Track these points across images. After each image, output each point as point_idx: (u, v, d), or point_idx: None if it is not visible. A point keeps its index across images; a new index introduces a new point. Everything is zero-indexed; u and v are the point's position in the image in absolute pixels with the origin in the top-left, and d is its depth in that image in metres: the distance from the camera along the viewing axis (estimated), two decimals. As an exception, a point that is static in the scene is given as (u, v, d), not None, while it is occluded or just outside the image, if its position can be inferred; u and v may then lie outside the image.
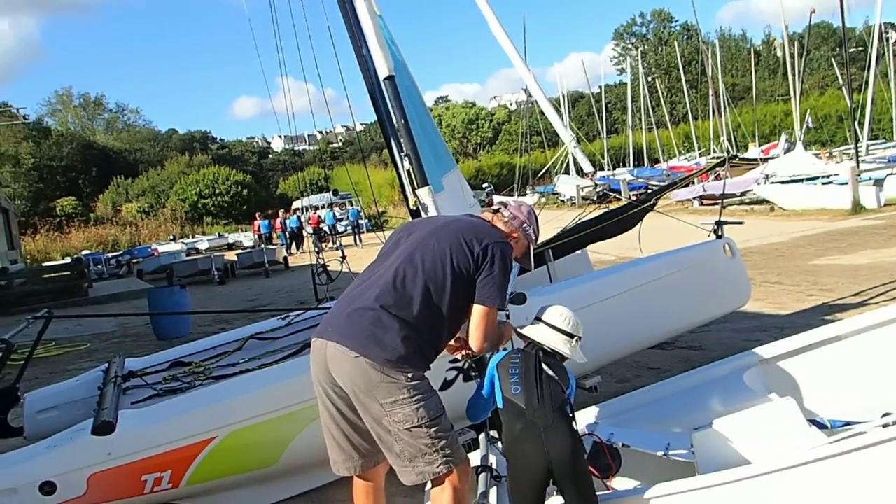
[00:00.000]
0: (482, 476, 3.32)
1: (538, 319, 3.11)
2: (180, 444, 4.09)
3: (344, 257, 6.39)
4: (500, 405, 2.90)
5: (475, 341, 3.05)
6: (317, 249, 9.26)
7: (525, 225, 3.29)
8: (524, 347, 3.08)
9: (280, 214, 32.75)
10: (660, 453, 3.46)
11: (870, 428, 3.10)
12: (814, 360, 4.10)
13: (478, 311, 3.01)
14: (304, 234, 30.26)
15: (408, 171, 3.66)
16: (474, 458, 3.63)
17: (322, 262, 6.52)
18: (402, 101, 3.82)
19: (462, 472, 2.92)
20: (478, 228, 3.14)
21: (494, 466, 3.44)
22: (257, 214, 34.85)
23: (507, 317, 4.26)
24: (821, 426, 3.45)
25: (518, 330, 3.16)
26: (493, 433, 3.63)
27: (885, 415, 3.31)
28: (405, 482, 2.93)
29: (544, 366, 2.93)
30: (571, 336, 3.06)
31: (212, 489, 4.30)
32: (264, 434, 4.25)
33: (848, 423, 3.49)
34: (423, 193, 3.58)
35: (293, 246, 29.85)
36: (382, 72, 3.84)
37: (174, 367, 5.51)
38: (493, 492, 3.24)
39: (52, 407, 5.19)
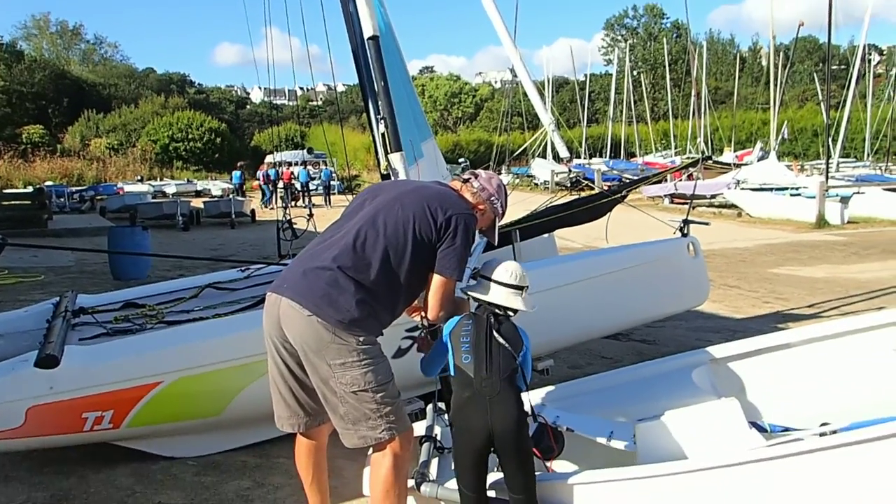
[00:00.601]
0: (425, 446, 3.34)
1: (484, 278, 3.07)
2: (125, 385, 4.05)
3: (311, 215, 6.33)
4: (451, 373, 2.90)
5: (431, 310, 3.07)
6: (284, 205, 9.13)
7: (493, 198, 3.25)
8: (475, 311, 3.05)
9: (286, 167, 32.48)
10: (602, 440, 3.50)
11: (807, 436, 3.18)
12: (761, 365, 4.17)
13: (436, 280, 3.02)
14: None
15: (382, 134, 3.61)
16: (419, 427, 3.64)
17: (288, 218, 6.45)
18: (384, 63, 3.76)
19: (404, 440, 2.94)
20: (444, 197, 3.11)
21: (439, 438, 3.46)
22: (265, 164, 33.93)
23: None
24: (761, 429, 3.52)
25: (468, 292, 3.12)
26: (441, 405, 3.64)
27: (823, 424, 3.39)
28: (347, 445, 2.94)
29: (495, 333, 2.91)
30: (521, 288, 3.05)
31: (153, 434, 4.26)
32: (211, 384, 4.22)
33: (787, 429, 3.56)
34: (395, 159, 3.55)
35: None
36: (367, 31, 3.77)
37: (127, 307, 5.43)
38: (434, 462, 3.26)
39: (-2, 334, 5.10)
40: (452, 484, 3.07)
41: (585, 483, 2.95)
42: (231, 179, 33.16)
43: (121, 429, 4.08)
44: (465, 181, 3.28)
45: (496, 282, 3.04)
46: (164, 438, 4.33)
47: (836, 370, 4.02)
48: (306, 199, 26.48)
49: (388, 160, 3.58)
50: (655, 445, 3.28)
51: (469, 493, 2.84)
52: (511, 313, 3.03)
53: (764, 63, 54.93)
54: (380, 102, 3.65)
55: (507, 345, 2.91)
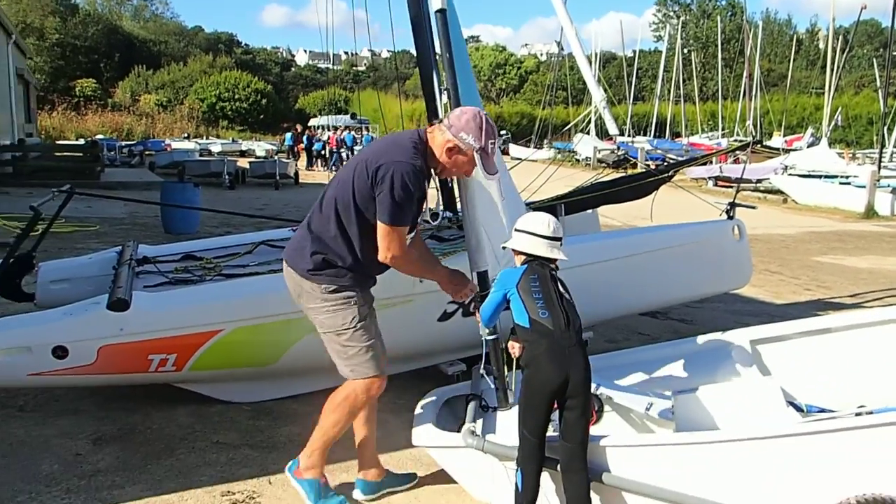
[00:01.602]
0: (472, 404, 3.51)
1: (523, 231, 3.24)
2: (188, 331, 4.28)
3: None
4: (524, 324, 3.05)
5: (379, 253, 3.28)
6: (333, 167, 9.30)
7: (462, 133, 3.26)
8: (528, 264, 3.19)
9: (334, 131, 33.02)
10: (641, 409, 3.63)
11: (843, 416, 3.27)
12: (801, 348, 4.24)
13: (378, 228, 3.23)
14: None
15: (445, 104, 3.75)
16: (463, 388, 3.82)
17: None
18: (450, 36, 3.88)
19: (364, 385, 3.34)
20: (382, 150, 3.29)
21: (484, 397, 3.63)
22: (334, 130, 34.42)
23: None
24: (798, 409, 3.61)
25: (509, 246, 3.28)
26: (488, 367, 3.79)
27: (860, 407, 3.48)
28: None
29: (560, 288, 3.13)
30: (558, 239, 3.22)
31: (212, 378, 4.51)
32: (267, 334, 4.42)
33: (824, 410, 3.65)
34: (457, 129, 3.68)
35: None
36: (435, 4, 3.89)
37: (186, 259, 5.68)
38: (480, 419, 3.43)
39: (64, 279, 5.38)
40: (495, 438, 3.25)
41: (626, 446, 3.10)
42: (283, 141, 33.72)
43: (183, 371, 4.33)
44: (440, 122, 3.38)
45: (536, 234, 3.21)
46: (222, 383, 4.58)
47: (875, 357, 4.08)
48: None
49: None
50: (693, 417, 3.40)
51: (532, 438, 3.01)
52: (552, 265, 3.20)
53: (821, 46, 53.52)
54: (443, 74, 3.78)
55: (571, 298, 3.15)
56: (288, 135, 34.20)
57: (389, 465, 3.91)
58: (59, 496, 3.48)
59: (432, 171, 3.40)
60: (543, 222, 3.24)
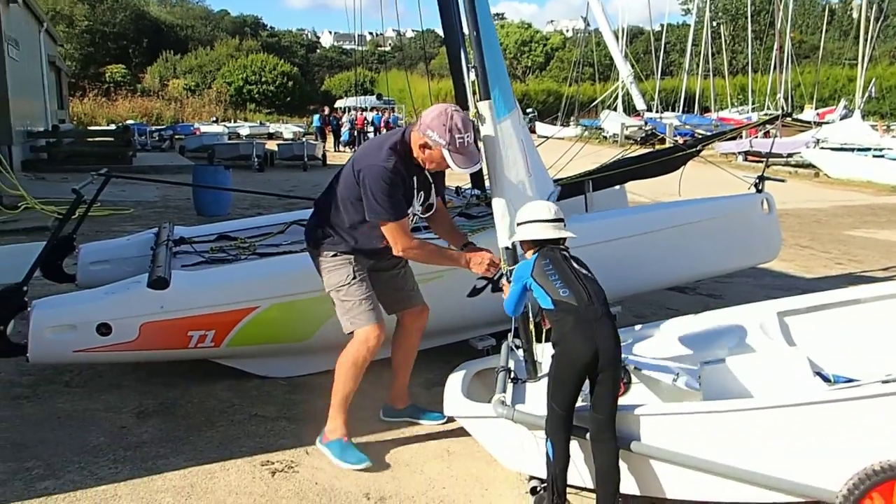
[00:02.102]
0: (501, 375, 3.60)
1: (523, 223, 3.36)
2: (226, 308, 4.42)
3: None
4: (549, 307, 3.12)
5: (392, 249, 3.70)
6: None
7: (428, 131, 3.53)
8: (538, 251, 3.28)
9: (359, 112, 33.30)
10: (668, 380, 3.68)
11: (868, 384, 3.30)
12: (829, 319, 4.25)
13: (381, 228, 3.65)
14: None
15: (473, 82, 3.81)
16: (494, 361, 3.91)
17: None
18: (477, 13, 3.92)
19: (363, 335, 3.71)
20: (364, 153, 3.75)
21: (513, 369, 3.71)
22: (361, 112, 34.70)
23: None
24: (825, 379, 3.63)
25: (518, 240, 3.44)
26: (517, 341, 3.88)
27: (887, 376, 3.49)
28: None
29: (575, 264, 3.21)
30: (560, 220, 3.32)
31: (249, 354, 4.66)
32: (302, 311, 4.54)
33: (851, 381, 3.67)
34: (484, 107, 3.74)
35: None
36: (463, -18, 3.94)
37: (221, 239, 5.82)
38: (509, 390, 3.52)
39: (104, 260, 5.55)
40: (524, 407, 3.33)
41: (654, 414, 3.16)
42: (310, 123, 33.95)
43: (221, 347, 4.47)
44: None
45: (539, 221, 3.32)
46: (259, 359, 4.72)
47: (904, 328, 4.08)
48: None
49: (476, 107, 3.78)
50: (720, 388, 3.45)
51: (561, 410, 3.08)
52: (562, 246, 3.29)
53: (854, 15, 52.24)
54: (470, 52, 3.83)
55: (589, 272, 3.22)
56: (316, 116, 34.38)
57: (422, 435, 4.04)
58: (107, 466, 3.64)
59: (421, 166, 3.69)
60: (542, 207, 3.38)
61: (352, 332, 3.77)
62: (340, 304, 3.81)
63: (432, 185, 3.82)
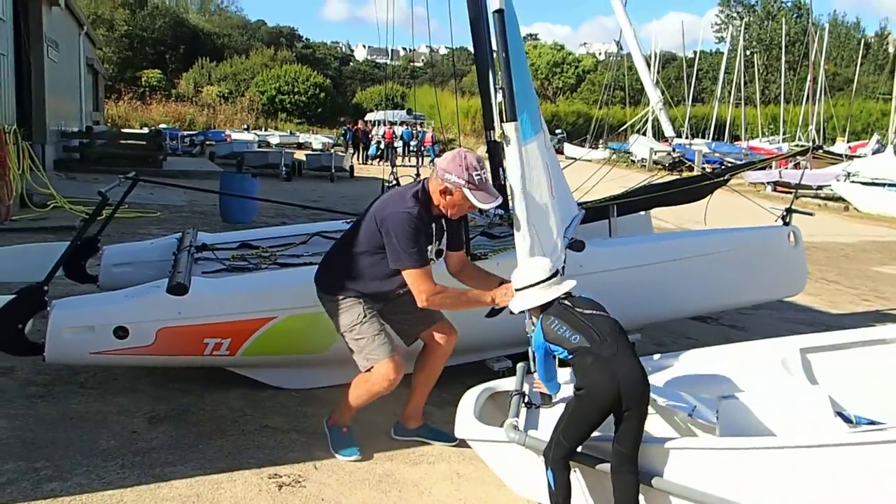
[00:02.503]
0: (515, 398, 3.55)
1: (520, 290, 3.35)
2: (243, 317, 4.42)
3: (418, 174, 6.58)
4: (570, 357, 3.12)
5: (416, 300, 3.69)
6: (391, 163, 9.46)
7: (446, 175, 3.59)
8: (542, 312, 3.28)
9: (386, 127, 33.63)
10: (685, 413, 3.62)
11: (891, 427, 3.21)
12: (853, 358, 4.15)
13: (404, 276, 3.66)
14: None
15: (500, 103, 3.79)
16: (508, 384, 3.86)
17: (395, 175, 6.72)
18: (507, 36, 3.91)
19: (381, 369, 3.74)
20: (386, 202, 3.75)
21: (527, 394, 3.66)
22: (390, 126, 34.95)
23: (564, 261, 4.45)
24: (847, 420, 3.54)
25: (520, 310, 3.43)
26: (531, 364, 3.83)
27: (910, 419, 3.40)
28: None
29: (579, 309, 3.20)
30: (555, 274, 3.32)
31: (263, 364, 4.65)
32: (319, 323, 4.48)
33: (873, 423, 3.58)
34: (509, 128, 3.72)
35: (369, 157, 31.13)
36: (493, 4, 3.93)
37: (242, 247, 5.83)
38: (522, 414, 3.47)
39: (126, 263, 5.60)
40: (537, 433, 3.28)
41: (667, 448, 3.10)
42: (339, 135, 34.47)
43: (236, 356, 4.47)
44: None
45: (537, 284, 3.30)
46: (273, 369, 4.71)
47: (930, 370, 3.98)
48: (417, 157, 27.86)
49: (503, 129, 3.77)
50: (737, 423, 3.37)
51: (568, 445, 3.05)
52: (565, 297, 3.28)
53: (891, 50, 51.78)
54: (499, 73, 3.83)
55: (595, 310, 3.19)
56: (345, 128, 34.94)
57: (432, 455, 4.00)
58: (114, 471, 3.63)
59: (443, 214, 3.76)
60: (537, 269, 3.36)
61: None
62: (354, 343, 3.83)
63: (444, 233, 3.90)
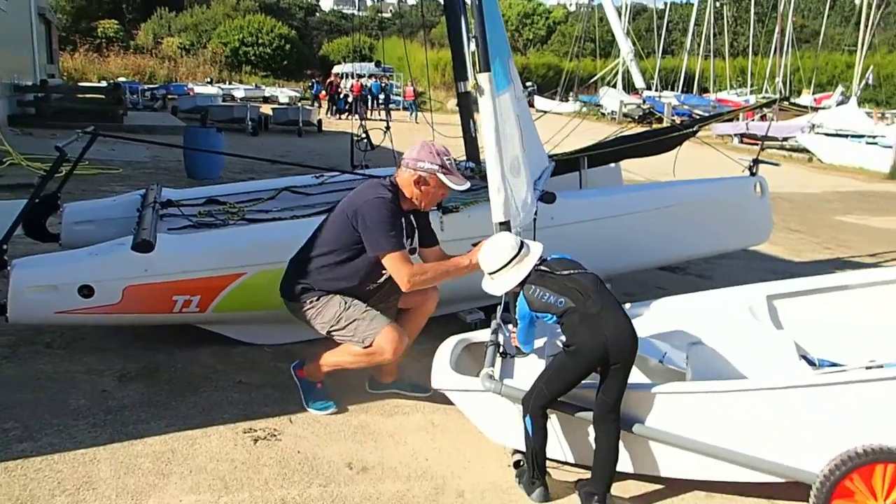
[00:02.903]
0: (490, 349, 3.59)
1: (494, 273, 3.35)
2: (212, 273, 4.37)
3: (388, 128, 6.50)
4: (559, 320, 3.14)
5: (399, 285, 3.64)
6: (360, 115, 9.34)
7: (419, 163, 3.65)
8: (522, 285, 3.28)
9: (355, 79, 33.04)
10: (656, 360, 3.68)
11: (853, 369, 3.31)
12: (816, 304, 4.25)
13: (384, 262, 3.62)
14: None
15: (473, 52, 3.74)
16: (482, 335, 3.89)
17: (365, 129, 6.63)
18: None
19: (383, 341, 3.65)
20: (352, 200, 3.72)
21: (502, 345, 3.70)
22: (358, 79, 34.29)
23: (535, 213, 4.45)
24: (810, 363, 3.65)
25: (501, 293, 3.44)
26: (505, 315, 3.85)
27: (870, 361, 3.50)
28: None
29: (558, 271, 3.22)
30: (519, 250, 3.31)
31: (234, 320, 4.61)
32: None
33: (835, 365, 3.68)
34: (483, 79, 3.68)
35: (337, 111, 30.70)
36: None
37: (209, 203, 5.73)
38: (497, 364, 3.51)
39: (88, 220, 5.48)
40: (512, 382, 3.32)
41: (639, 395, 3.15)
42: (310, 87, 34.10)
43: (206, 313, 4.43)
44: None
45: (508, 264, 3.29)
46: (245, 326, 4.68)
47: (890, 315, 4.09)
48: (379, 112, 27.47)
49: (476, 79, 3.73)
50: (707, 369, 3.45)
51: (550, 396, 3.11)
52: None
53: (857, 2, 51.88)
54: (471, 22, 3.76)
55: (573, 269, 3.22)
56: (312, 80, 34.54)
57: (406, 406, 4.03)
58: (86, 430, 3.60)
59: (416, 208, 3.79)
60: (504, 249, 3.34)
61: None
62: (344, 332, 3.73)
63: (416, 231, 3.88)
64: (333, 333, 3.76)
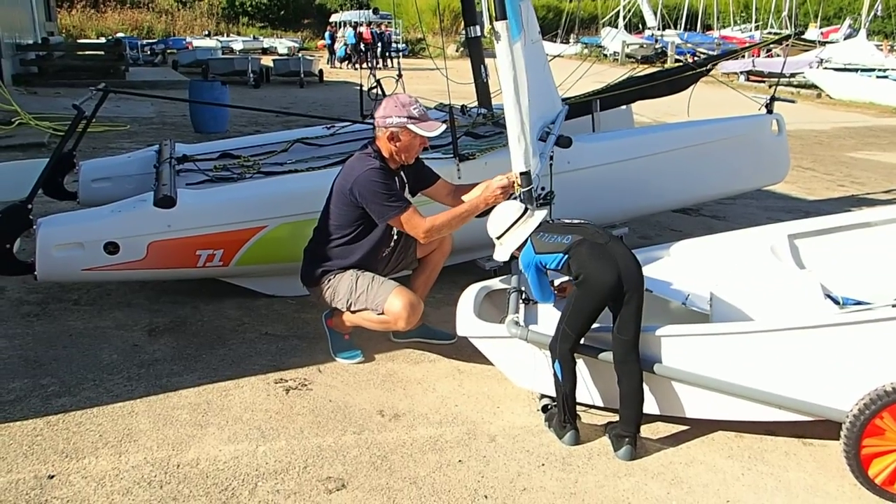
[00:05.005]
0: (513, 296, 3.61)
1: (504, 234, 3.41)
2: (234, 227, 4.40)
3: (400, 76, 6.44)
4: (566, 261, 3.17)
5: (416, 238, 3.78)
6: (370, 66, 9.21)
7: (387, 120, 3.65)
8: (533, 236, 3.32)
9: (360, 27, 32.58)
10: (679, 302, 3.71)
11: (879, 307, 3.32)
12: (839, 242, 4.25)
13: (397, 224, 3.70)
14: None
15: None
16: (503, 282, 3.91)
17: (376, 79, 6.56)
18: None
19: (395, 306, 3.69)
20: (345, 179, 3.73)
21: (525, 290, 3.72)
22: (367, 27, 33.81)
23: (552, 157, 4.44)
24: (835, 301, 3.65)
25: (510, 255, 3.47)
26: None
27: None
28: None
29: (560, 222, 3.37)
30: (523, 213, 3.39)
31: (257, 273, 4.66)
32: (310, 230, 4.50)
33: (860, 303, 3.70)
34: (500, 26, 3.63)
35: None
36: None
37: (224, 157, 5.73)
38: (521, 311, 3.54)
39: (105, 178, 5.50)
40: (537, 328, 3.36)
41: (662, 335, 3.19)
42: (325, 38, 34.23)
43: (229, 266, 4.47)
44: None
45: (515, 224, 3.37)
46: (268, 278, 4.72)
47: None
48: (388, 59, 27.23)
49: (493, 27, 3.68)
50: (730, 309, 3.47)
51: (574, 335, 3.14)
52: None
53: (865, -70, 50.45)
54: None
55: (578, 221, 3.36)
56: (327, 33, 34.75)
57: (431, 355, 4.09)
58: (121, 383, 3.67)
59: (401, 163, 3.81)
60: (506, 212, 3.43)
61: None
62: (360, 301, 3.79)
63: (406, 185, 3.91)
64: (352, 307, 3.84)
